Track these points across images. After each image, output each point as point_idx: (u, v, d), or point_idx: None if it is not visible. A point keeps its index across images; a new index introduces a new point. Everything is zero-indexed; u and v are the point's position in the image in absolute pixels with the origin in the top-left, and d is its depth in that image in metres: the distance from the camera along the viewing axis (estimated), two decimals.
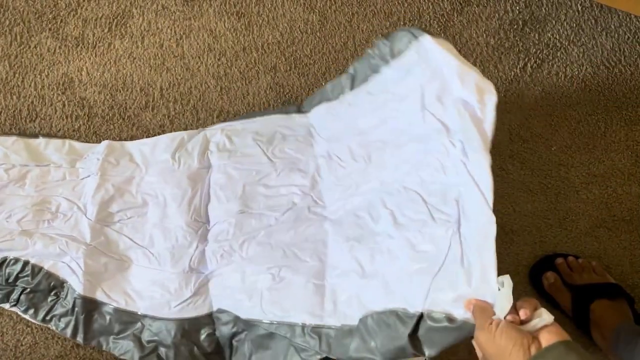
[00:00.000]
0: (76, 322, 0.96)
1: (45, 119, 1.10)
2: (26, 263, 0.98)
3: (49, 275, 0.98)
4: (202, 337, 0.94)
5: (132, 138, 1.11)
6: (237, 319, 0.93)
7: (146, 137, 1.11)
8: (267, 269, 0.93)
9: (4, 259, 0.98)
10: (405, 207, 0.84)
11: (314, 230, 0.96)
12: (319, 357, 0.84)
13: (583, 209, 1.18)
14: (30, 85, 1.11)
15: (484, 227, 0.73)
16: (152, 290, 0.97)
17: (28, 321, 1.02)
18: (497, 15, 1.24)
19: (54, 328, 0.97)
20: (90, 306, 0.96)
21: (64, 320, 0.97)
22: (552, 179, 1.19)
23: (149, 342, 0.95)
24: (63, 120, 1.10)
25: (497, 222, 1.15)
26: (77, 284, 0.96)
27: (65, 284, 0.98)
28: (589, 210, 1.18)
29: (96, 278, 0.97)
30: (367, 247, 0.87)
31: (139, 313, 0.96)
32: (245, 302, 0.93)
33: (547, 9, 1.26)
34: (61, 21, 1.13)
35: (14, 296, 0.98)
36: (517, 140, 1.19)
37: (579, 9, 1.26)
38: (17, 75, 1.11)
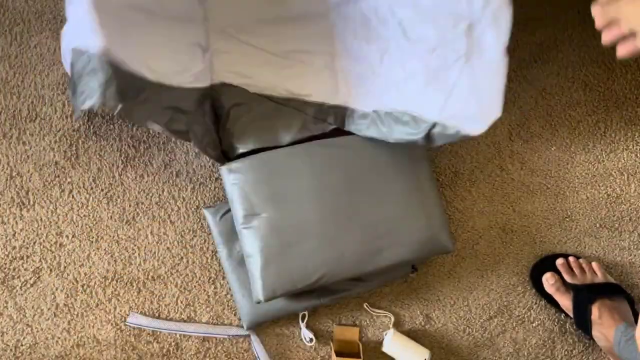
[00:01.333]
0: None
1: (45, 119, 1.10)
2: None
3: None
4: (207, 107, 1.01)
5: (132, 138, 1.11)
6: (243, 92, 1.03)
7: (146, 137, 1.11)
8: (281, 52, 1.06)
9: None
10: (415, 23, 1.00)
11: (321, 19, 1.09)
12: (331, 128, 1.04)
13: (583, 209, 1.18)
14: (30, 85, 1.11)
15: (496, 64, 0.87)
16: (166, 59, 0.97)
17: (28, 321, 1.02)
18: None
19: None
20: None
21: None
22: (552, 179, 1.19)
23: (166, 108, 0.93)
24: (63, 120, 1.10)
25: (497, 223, 1.16)
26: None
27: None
28: (589, 210, 1.18)
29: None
30: (377, 48, 1.04)
31: (155, 81, 0.93)
32: (256, 78, 1.04)
33: (547, 9, 1.26)
34: (61, 21, 1.13)
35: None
36: (517, 140, 1.19)
37: (579, 9, 1.26)
38: (17, 75, 1.11)
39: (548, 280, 1.08)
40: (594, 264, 1.10)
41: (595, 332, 1.02)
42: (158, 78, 0.94)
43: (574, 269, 1.09)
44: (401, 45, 1.02)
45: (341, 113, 1.06)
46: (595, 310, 1.02)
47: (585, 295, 1.04)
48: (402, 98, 0.98)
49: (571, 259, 1.10)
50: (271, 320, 1.05)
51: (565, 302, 1.06)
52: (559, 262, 1.10)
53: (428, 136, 0.92)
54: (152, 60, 0.95)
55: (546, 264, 1.11)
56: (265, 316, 1.01)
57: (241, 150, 1.02)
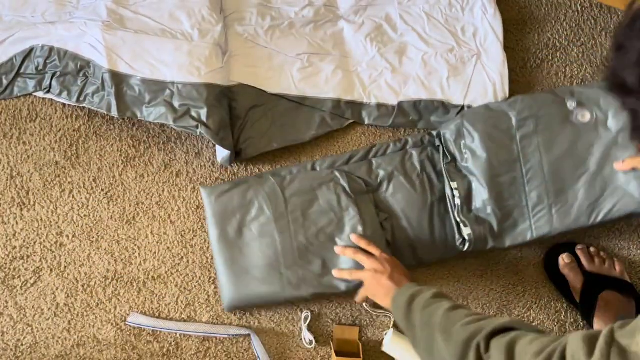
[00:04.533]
0: (108, 96, 1.02)
1: (46, 119, 1.10)
2: (51, 49, 1.05)
3: (75, 56, 1.04)
4: (225, 104, 1.07)
5: (132, 138, 1.11)
6: (259, 94, 1.11)
7: (146, 137, 1.12)
8: (295, 55, 1.14)
9: (32, 49, 1.06)
10: (429, 29, 1.18)
11: (331, 25, 1.18)
12: (348, 122, 1.14)
13: None
14: None
15: (500, 59, 1.17)
16: (179, 58, 1.04)
17: (29, 321, 1.02)
18: None
19: (89, 106, 1.04)
20: (118, 79, 1.02)
21: (97, 97, 1.04)
22: None
23: (181, 105, 1.02)
24: (63, 120, 1.11)
25: None
26: (101, 60, 1.02)
27: (91, 63, 1.04)
28: None
29: (116, 51, 1.03)
30: (394, 49, 1.17)
31: (167, 80, 1.03)
32: (274, 80, 1.12)
33: (546, 9, 1.26)
34: None
35: (46, 83, 1.06)
36: None
37: (579, 9, 1.26)
38: None
39: (564, 259, 1.07)
40: (616, 260, 1.09)
41: (597, 321, 1.02)
42: (173, 77, 1.03)
43: (595, 257, 1.08)
44: (420, 47, 1.17)
45: (357, 108, 1.14)
46: (601, 300, 1.02)
47: (597, 283, 1.04)
48: (426, 90, 1.14)
49: (592, 248, 1.10)
50: (252, 307, 1.05)
51: (576, 284, 1.06)
52: (579, 247, 1.09)
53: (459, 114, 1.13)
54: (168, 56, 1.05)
55: (565, 248, 1.10)
56: (246, 302, 1.02)
57: (265, 150, 1.09)
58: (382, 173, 1.07)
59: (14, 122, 1.10)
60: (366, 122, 1.14)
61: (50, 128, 1.10)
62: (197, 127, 1.00)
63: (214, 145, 1.10)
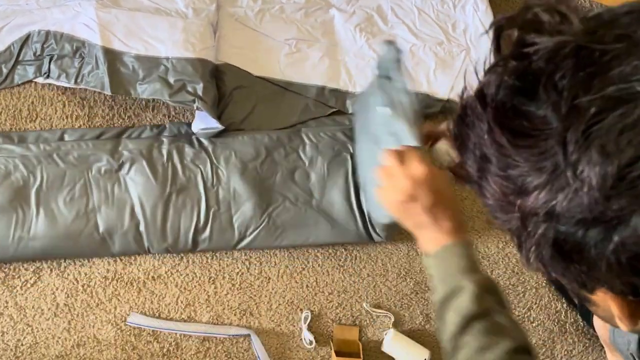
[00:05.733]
0: (102, 74, 1.02)
1: (46, 119, 1.10)
2: (48, 32, 1.07)
3: (70, 38, 1.06)
4: (214, 82, 1.08)
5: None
6: (245, 75, 1.12)
7: None
8: (284, 40, 1.15)
9: (28, 35, 1.08)
10: (419, 24, 1.21)
11: (322, 13, 1.20)
12: (331, 111, 1.14)
13: None
14: (30, 85, 1.11)
15: None
16: (173, 34, 1.05)
17: (29, 321, 1.02)
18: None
19: (85, 86, 1.05)
20: (111, 56, 1.03)
21: (92, 76, 1.04)
22: None
23: (176, 80, 1.03)
24: (63, 120, 1.11)
25: None
26: (95, 38, 1.04)
27: (85, 42, 1.05)
28: None
29: (110, 28, 1.04)
30: (382, 40, 1.15)
31: (162, 56, 1.04)
32: (260, 63, 1.13)
33: None
34: None
35: (45, 67, 1.07)
36: None
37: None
38: None
39: None
40: None
41: (597, 320, 1.02)
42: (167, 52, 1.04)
43: None
44: (409, 39, 1.18)
45: (342, 97, 1.14)
46: None
47: None
48: (412, 80, 1.12)
49: None
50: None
51: None
52: None
53: (443, 111, 1.15)
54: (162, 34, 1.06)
55: None
56: None
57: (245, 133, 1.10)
58: (126, 154, 1.05)
59: (14, 122, 1.10)
60: (350, 110, 1.14)
61: (50, 128, 1.10)
62: (193, 101, 1.01)
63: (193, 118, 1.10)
